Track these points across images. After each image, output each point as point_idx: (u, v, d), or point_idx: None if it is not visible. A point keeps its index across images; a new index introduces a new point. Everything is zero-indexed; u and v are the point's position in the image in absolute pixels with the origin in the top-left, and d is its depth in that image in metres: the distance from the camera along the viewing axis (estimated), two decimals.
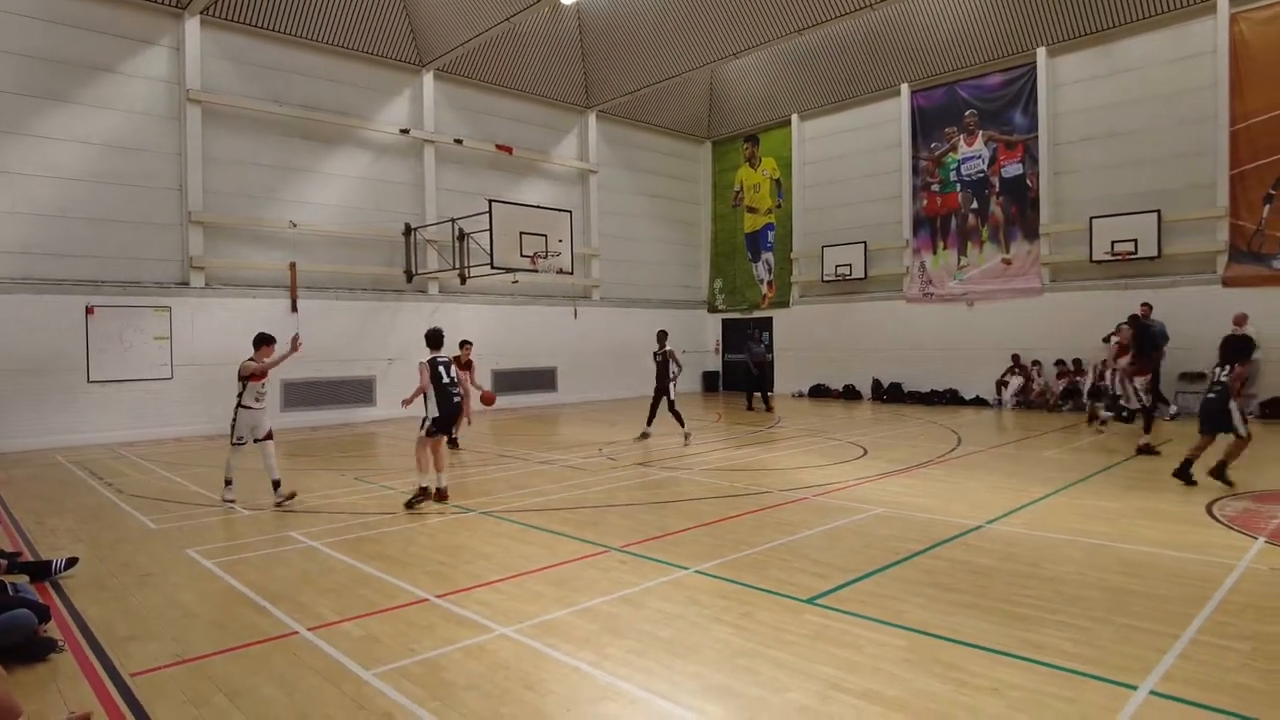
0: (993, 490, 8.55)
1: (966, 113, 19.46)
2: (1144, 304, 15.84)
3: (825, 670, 3.94)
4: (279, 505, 8.19)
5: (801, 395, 22.28)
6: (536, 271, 16.84)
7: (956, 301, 19.68)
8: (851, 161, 21.98)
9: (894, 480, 9.26)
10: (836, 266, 21.75)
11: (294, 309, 16.30)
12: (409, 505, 8.02)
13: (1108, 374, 13.04)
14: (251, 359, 8.49)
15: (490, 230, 15.86)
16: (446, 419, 8.33)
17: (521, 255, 16.26)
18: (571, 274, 18.32)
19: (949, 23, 19.14)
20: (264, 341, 8.68)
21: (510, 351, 19.53)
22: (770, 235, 24.14)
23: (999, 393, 18.43)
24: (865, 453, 11.34)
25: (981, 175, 19.31)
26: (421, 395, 8.31)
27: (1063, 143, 17.93)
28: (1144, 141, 16.71)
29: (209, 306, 15.40)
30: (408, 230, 18.19)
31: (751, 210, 24.72)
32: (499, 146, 20.08)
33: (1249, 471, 9.55)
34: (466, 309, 19.17)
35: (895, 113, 20.83)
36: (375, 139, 18.11)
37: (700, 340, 25.74)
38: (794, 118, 23.05)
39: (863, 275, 21.24)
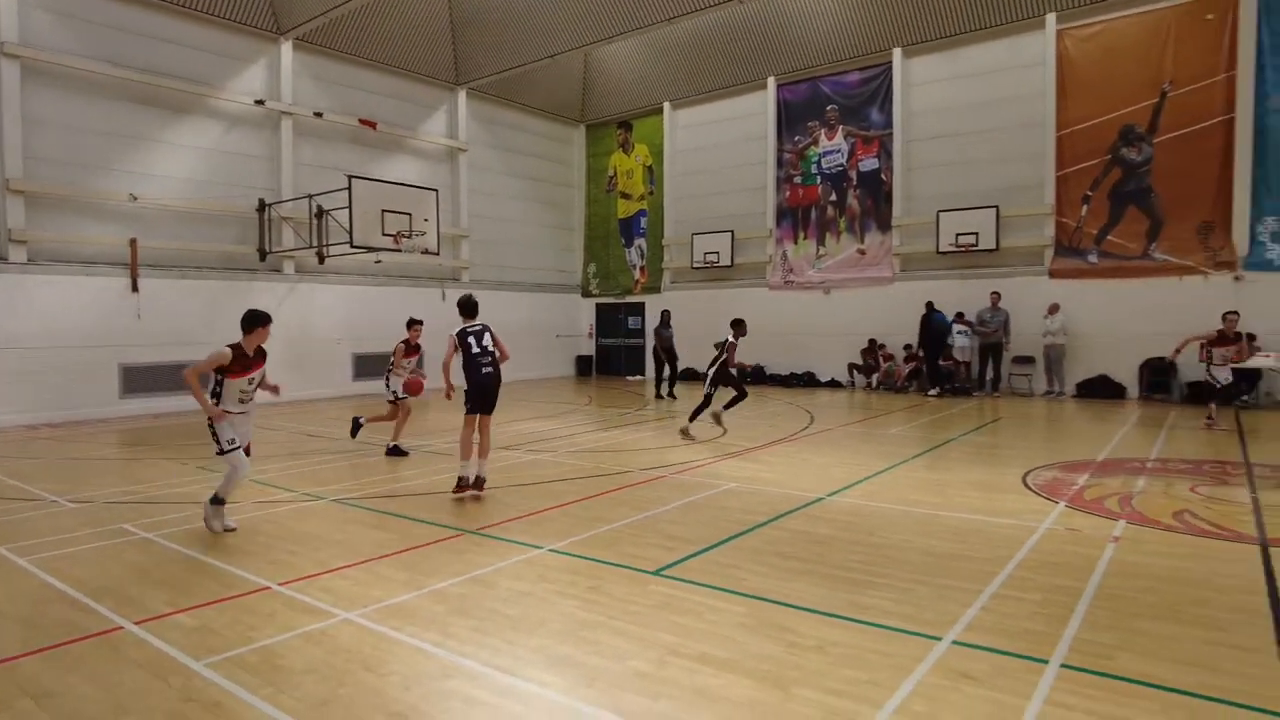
0: (839, 465, 9.06)
1: (828, 108, 20.32)
2: (993, 292, 17.22)
3: (665, 638, 4.10)
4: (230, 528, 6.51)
5: None
6: (400, 251, 16.37)
7: (815, 289, 20.59)
8: (721, 151, 22.52)
9: (749, 457, 9.64)
10: (705, 254, 22.29)
11: (135, 288, 15.16)
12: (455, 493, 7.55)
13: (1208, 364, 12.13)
14: (233, 344, 6.30)
15: (350, 208, 15.27)
16: (477, 392, 7.66)
17: (384, 234, 15.75)
18: (438, 254, 17.91)
19: (814, 20, 19.89)
20: (255, 323, 6.34)
21: (372, 335, 18.81)
22: (643, 221, 24.42)
23: (851, 375, 19.51)
24: (725, 432, 11.74)
25: (840, 169, 20.23)
26: (449, 368, 7.75)
27: (915, 140, 19.04)
28: (986, 142, 17.99)
29: (32, 284, 14.02)
30: (262, 206, 17.21)
31: (625, 196, 24.91)
32: (362, 121, 19.30)
33: (1061, 442, 10.58)
34: (325, 290, 18.37)
35: (762, 105, 21.49)
36: (227, 109, 16.99)
37: (575, 324, 25.76)
38: (666, 106, 23.36)
39: (730, 263, 21.87)
